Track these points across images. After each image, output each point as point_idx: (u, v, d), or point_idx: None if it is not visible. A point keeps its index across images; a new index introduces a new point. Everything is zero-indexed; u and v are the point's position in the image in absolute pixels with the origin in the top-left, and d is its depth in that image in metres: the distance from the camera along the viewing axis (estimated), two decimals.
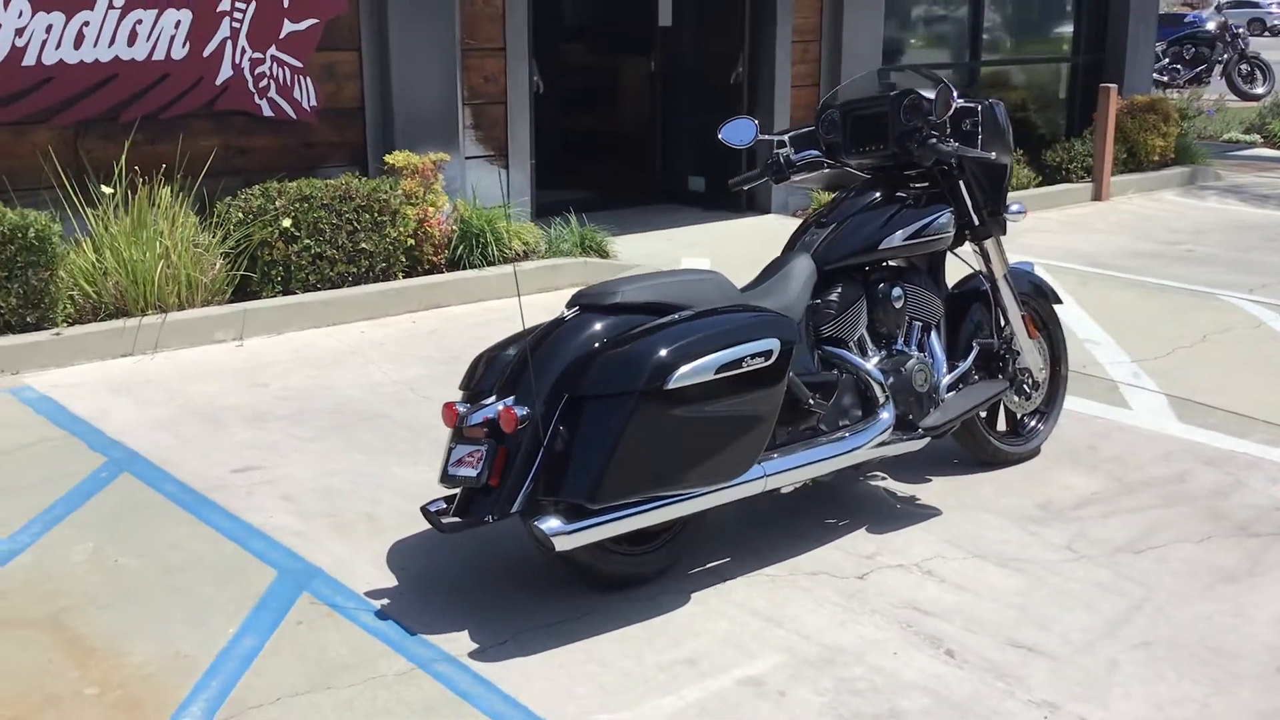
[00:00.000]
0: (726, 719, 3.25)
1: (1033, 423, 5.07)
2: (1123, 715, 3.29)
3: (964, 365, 4.62)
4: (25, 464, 4.90)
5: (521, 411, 3.54)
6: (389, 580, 3.96)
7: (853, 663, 3.52)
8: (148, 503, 4.56)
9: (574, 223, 8.17)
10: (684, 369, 3.54)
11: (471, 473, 3.58)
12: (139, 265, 6.45)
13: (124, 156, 6.77)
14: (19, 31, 6.59)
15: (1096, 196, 11.29)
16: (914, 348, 4.47)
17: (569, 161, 11.00)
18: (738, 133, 4.70)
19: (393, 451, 5.03)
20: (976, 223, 4.65)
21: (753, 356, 3.66)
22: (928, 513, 4.52)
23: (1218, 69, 19.73)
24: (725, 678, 3.43)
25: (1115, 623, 3.76)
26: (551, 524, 3.47)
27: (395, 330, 6.86)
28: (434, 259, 7.54)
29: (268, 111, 7.53)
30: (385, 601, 3.81)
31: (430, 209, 7.47)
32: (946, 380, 4.52)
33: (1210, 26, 20.31)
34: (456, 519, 3.64)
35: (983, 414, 4.88)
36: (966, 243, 4.74)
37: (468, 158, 8.32)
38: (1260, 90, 19.21)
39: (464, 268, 7.57)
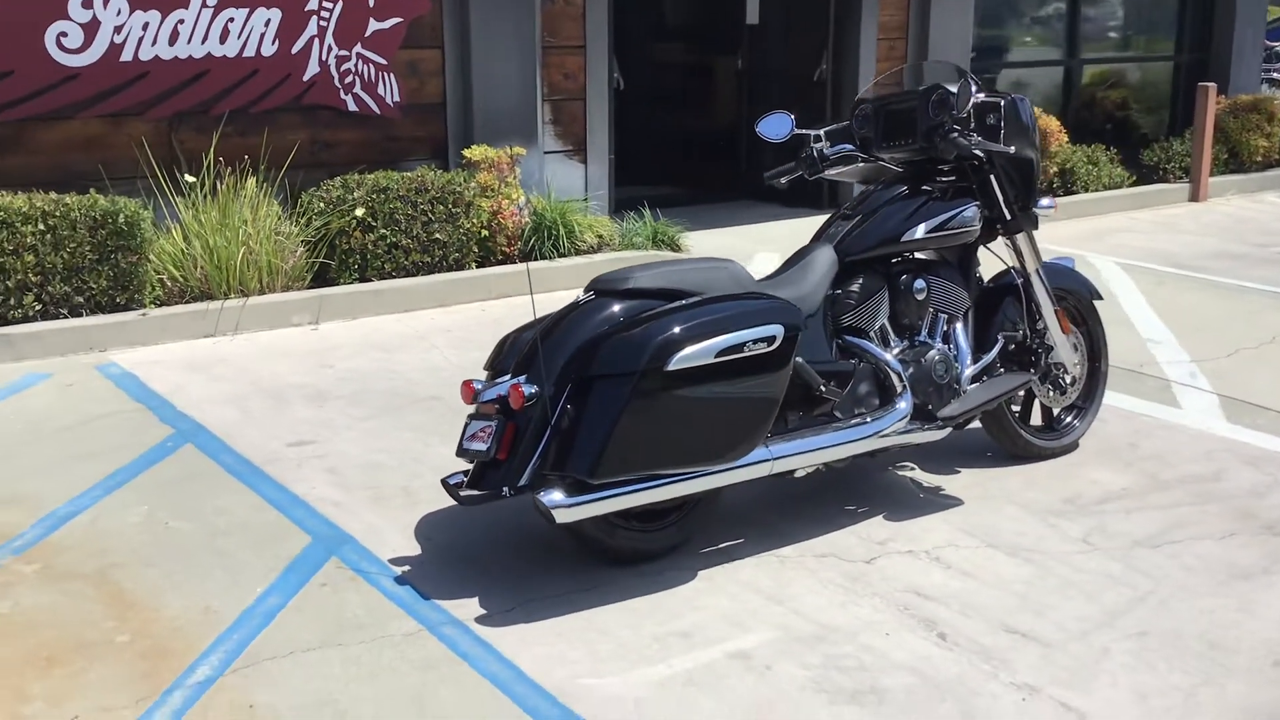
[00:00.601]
0: (710, 688, 3.37)
1: (1069, 418, 5.07)
2: (1104, 702, 3.33)
3: (988, 357, 4.65)
4: (99, 434, 5.23)
5: (530, 389, 3.71)
6: (414, 549, 4.17)
7: (844, 641, 3.61)
8: (205, 471, 4.84)
9: (647, 217, 8.33)
10: (685, 351, 3.67)
11: (483, 447, 3.76)
12: (222, 251, 6.79)
13: (212, 148, 7.13)
14: (117, 29, 6.99)
15: (1193, 197, 11.06)
16: (938, 339, 4.53)
17: (657, 158, 11.16)
18: (774, 127, 4.79)
19: (439, 431, 5.24)
20: (1008, 217, 4.68)
21: (755, 342, 3.78)
22: (949, 502, 4.57)
23: None
24: (716, 650, 3.56)
25: (1115, 613, 3.78)
26: (554, 497, 3.64)
27: (463, 317, 7.09)
28: (507, 250, 7.76)
29: (352, 107, 7.84)
30: (406, 568, 4.02)
31: (504, 201, 7.70)
32: (970, 372, 4.56)
33: None
34: (472, 491, 3.83)
35: (1015, 408, 4.92)
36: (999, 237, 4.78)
37: (546, 152, 8.54)
38: None
39: (536, 258, 7.78)
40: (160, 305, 6.74)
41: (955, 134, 4.41)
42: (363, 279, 7.24)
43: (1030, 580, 3.99)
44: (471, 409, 3.95)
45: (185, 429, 5.28)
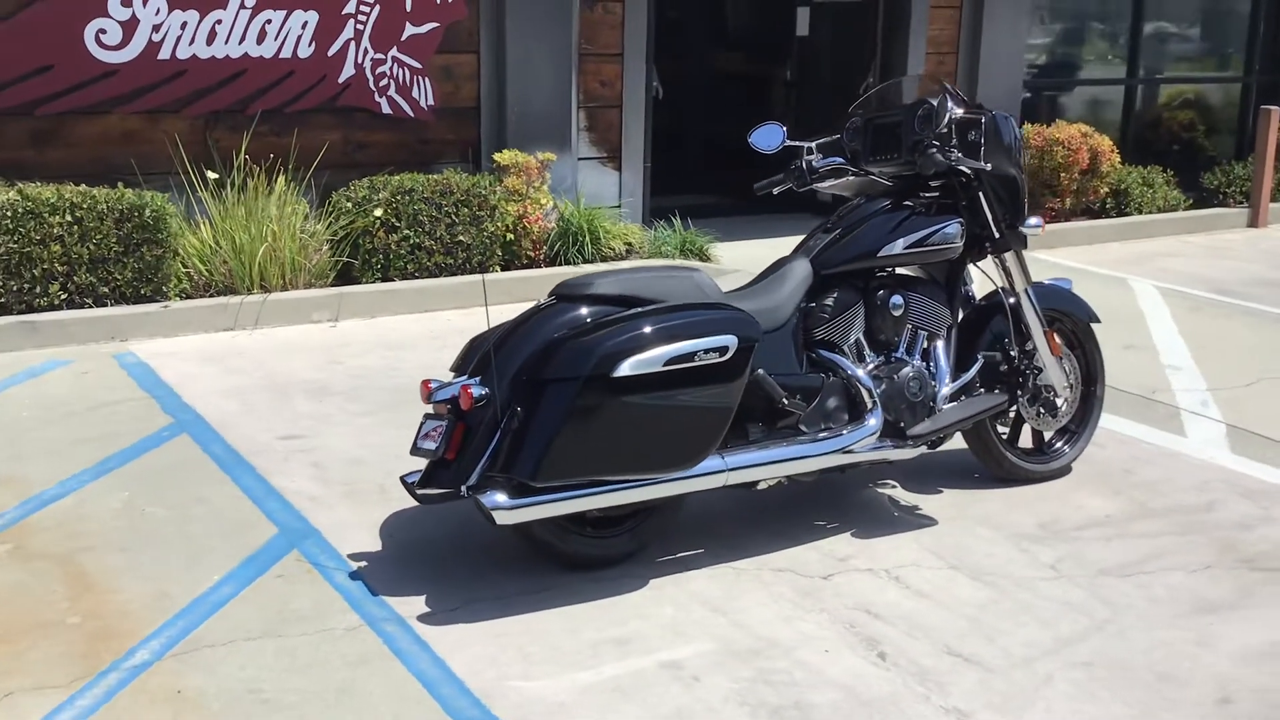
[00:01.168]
0: (635, 696, 3.37)
1: (1059, 443, 4.98)
2: None
3: (966, 376, 4.58)
4: (102, 420, 5.36)
5: (479, 391, 3.74)
6: (374, 545, 4.21)
7: (779, 656, 3.58)
8: (193, 461, 4.94)
9: (678, 225, 8.33)
10: (633, 359, 3.67)
11: (433, 446, 3.80)
12: (246, 246, 6.92)
13: (244, 147, 7.27)
14: (155, 27, 7.17)
15: (1252, 223, 10.79)
16: (915, 356, 4.48)
17: (703, 167, 11.15)
18: (766, 137, 4.79)
19: None
20: (995, 235, 4.62)
21: (706, 351, 3.77)
22: (922, 522, 4.52)
23: None
24: (649, 659, 3.55)
25: (1067, 641, 3.71)
26: (496, 499, 3.66)
27: (481, 319, 7.13)
28: (532, 254, 7.82)
29: (387, 109, 7.95)
30: (363, 564, 4.07)
31: (531, 205, 7.75)
32: (946, 390, 4.49)
33: None
34: (427, 490, 3.87)
35: (1003, 430, 4.84)
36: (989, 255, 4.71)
37: (580, 159, 8.59)
38: None
39: (561, 264, 7.82)
40: (184, 298, 6.89)
41: (934, 150, 4.36)
42: (385, 279, 7.34)
43: (985, 604, 3.92)
44: (429, 408, 3.99)
45: (185, 419, 5.40)
